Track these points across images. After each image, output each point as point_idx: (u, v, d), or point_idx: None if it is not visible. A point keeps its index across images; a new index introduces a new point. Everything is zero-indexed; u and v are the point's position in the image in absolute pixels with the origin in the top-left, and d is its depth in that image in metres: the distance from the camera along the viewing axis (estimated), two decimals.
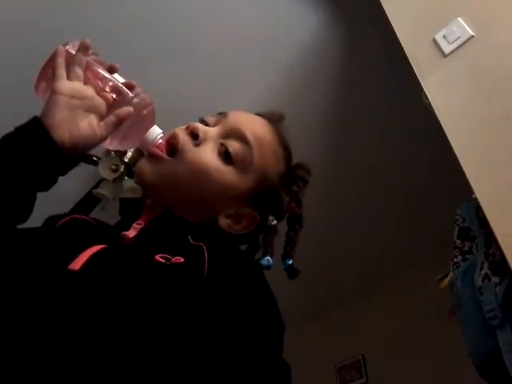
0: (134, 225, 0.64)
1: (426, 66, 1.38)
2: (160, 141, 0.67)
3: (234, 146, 0.67)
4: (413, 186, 2.72)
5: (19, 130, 0.58)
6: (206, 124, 0.71)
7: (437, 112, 1.30)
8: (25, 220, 0.59)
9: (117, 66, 0.67)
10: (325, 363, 3.19)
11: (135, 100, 0.64)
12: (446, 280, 1.40)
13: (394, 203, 2.81)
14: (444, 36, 1.36)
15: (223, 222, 0.67)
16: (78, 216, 0.69)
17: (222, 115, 0.72)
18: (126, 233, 0.63)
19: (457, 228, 1.39)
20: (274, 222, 0.73)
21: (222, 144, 0.67)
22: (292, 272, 0.75)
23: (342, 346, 3.16)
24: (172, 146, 0.67)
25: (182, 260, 0.54)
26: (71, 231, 0.64)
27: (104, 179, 2.40)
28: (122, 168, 2.33)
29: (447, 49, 1.34)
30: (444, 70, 1.34)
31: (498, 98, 1.21)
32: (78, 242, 0.59)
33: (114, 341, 0.47)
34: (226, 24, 2.08)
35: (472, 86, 1.28)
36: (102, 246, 0.58)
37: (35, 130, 0.57)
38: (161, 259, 0.54)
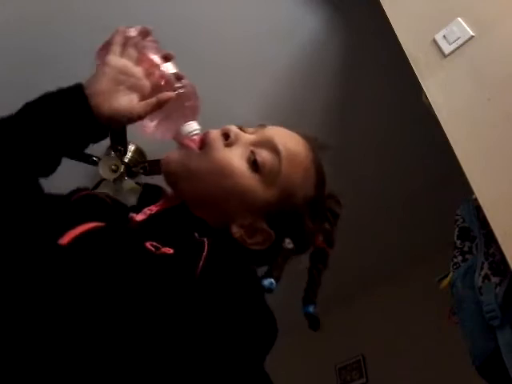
0: (145, 210, 0.64)
1: (426, 66, 1.38)
2: (195, 136, 0.67)
3: (263, 154, 0.66)
4: (413, 186, 2.72)
5: (61, 90, 0.59)
6: (242, 131, 0.71)
7: (437, 112, 1.30)
8: (45, 176, 0.60)
9: (173, 55, 0.68)
10: (325, 363, 3.19)
11: (180, 90, 0.65)
12: (446, 280, 1.40)
13: (394, 203, 2.81)
14: (444, 36, 1.36)
15: (236, 230, 0.65)
16: (96, 192, 0.69)
17: (261, 126, 0.73)
18: (134, 215, 0.63)
19: (457, 228, 1.39)
20: (290, 246, 0.67)
21: (252, 151, 0.66)
22: (313, 321, 0.69)
23: (342, 346, 3.16)
24: (203, 143, 0.67)
25: (171, 251, 0.52)
26: (82, 205, 0.65)
27: (104, 179, 2.40)
28: (122, 168, 2.33)
29: (447, 49, 1.34)
30: (444, 70, 1.34)
31: (498, 98, 1.21)
32: (79, 218, 0.58)
33: (88, 322, 0.45)
34: (226, 24, 2.08)
35: (472, 86, 1.28)
36: (98, 223, 0.57)
37: (75, 93, 0.58)
38: (150, 247, 0.52)
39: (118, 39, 0.65)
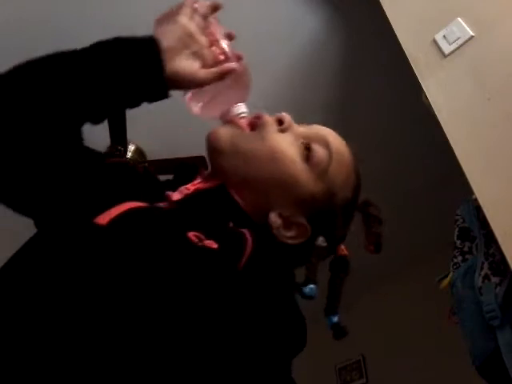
0: (182, 188, 0.61)
1: (426, 66, 1.38)
2: (244, 118, 0.66)
3: (315, 147, 0.65)
4: (413, 186, 2.72)
5: (135, 38, 0.58)
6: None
7: (437, 112, 1.30)
8: (93, 123, 0.58)
9: (234, 34, 0.70)
10: (325, 363, 3.19)
11: (238, 67, 0.65)
12: (446, 280, 1.40)
13: (394, 203, 2.81)
14: (444, 36, 1.36)
15: (275, 219, 0.61)
16: (129, 160, 0.68)
17: (309, 124, 0.72)
18: (171, 193, 0.60)
19: (457, 228, 1.39)
20: (324, 244, 0.66)
21: (303, 142, 0.65)
22: (339, 331, 0.66)
23: (342, 346, 3.16)
24: (254, 125, 0.65)
25: (216, 246, 0.49)
26: (116, 176, 0.63)
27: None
28: None
29: (447, 49, 1.34)
30: (444, 70, 1.34)
31: (498, 98, 1.21)
32: (114, 192, 0.56)
33: (125, 310, 0.43)
34: (226, 24, 2.08)
35: (472, 86, 1.28)
36: (139, 203, 0.54)
37: (148, 45, 0.57)
38: (194, 237, 0.49)
39: (189, 3, 0.64)
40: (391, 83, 2.25)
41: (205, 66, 0.61)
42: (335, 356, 3.16)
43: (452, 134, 1.24)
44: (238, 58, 0.67)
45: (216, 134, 0.64)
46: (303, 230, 0.63)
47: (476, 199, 1.19)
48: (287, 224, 0.62)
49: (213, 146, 0.63)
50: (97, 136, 2.20)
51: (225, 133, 0.64)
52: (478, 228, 1.28)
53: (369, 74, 2.25)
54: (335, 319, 0.66)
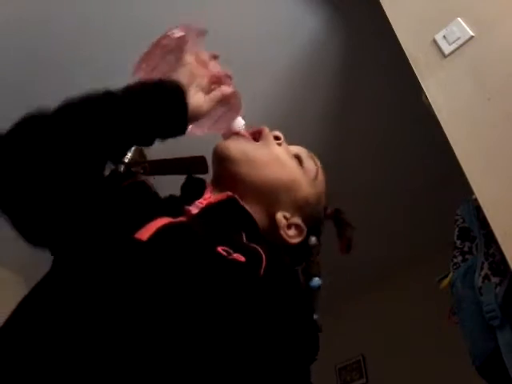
0: (197, 203, 0.66)
1: (426, 66, 1.38)
2: (243, 130, 0.73)
3: (305, 159, 0.77)
4: (413, 186, 2.72)
5: (161, 85, 0.63)
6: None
7: (437, 112, 1.30)
8: (113, 162, 0.62)
9: (218, 54, 0.74)
10: (325, 363, 3.18)
11: (232, 88, 0.70)
12: (446, 280, 1.40)
13: (394, 203, 2.81)
14: (444, 36, 1.36)
15: (280, 218, 0.70)
16: (144, 179, 0.71)
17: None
18: (190, 208, 0.64)
19: (457, 228, 1.38)
20: (316, 243, 0.77)
21: (294, 155, 0.76)
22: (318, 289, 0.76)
23: (342, 346, 3.16)
24: (256, 136, 0.74)
25: (243, 259, 0.55)
26: (135, 194, 0.66)
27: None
28: (121, 168, 2.33)
29: (447, 49, 1.34)
30: (444, 70, 1.34)
31: (498, 98, 1.21)
32: (142, 209, 0.61)
33: (168, 317, 0.48)
34: (226, 24, 2.08)
35: (472, 86, 1.28)
36: (168, 219, 0.58)
37: (175, 90, 0.62)
38: (223, 252, 0.55)
39: (182, 40, 0.68)
40: (391, 83, 2.25)
41: (207, 93, 0.67)
42: (335, 356, 3.16)
43: (452, 134, 1.24)
44: (228, 77, 0.72)
45: (225, 145, 0.71)
46: (300, 230, 0.72)
47: (476, 199, 1.19)
48: (288, 225, 0.71)
49: (224, 155, 0.70)
50: None
51: (234, 143, 0.71)
52: (478, 228, 1.28)
53: (369, 74, 2.25)
54: (317, 282, 0.75)
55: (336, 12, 2.07)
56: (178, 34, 0.67)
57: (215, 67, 0.70)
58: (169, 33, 0.67)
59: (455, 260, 1.35)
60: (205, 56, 0.70)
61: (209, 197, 0.68)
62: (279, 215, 0.70)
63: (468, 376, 1.40)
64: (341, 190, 2.72)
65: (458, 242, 1.36)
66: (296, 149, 0.79)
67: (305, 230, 0.72)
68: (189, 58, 0.66)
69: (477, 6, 1.36)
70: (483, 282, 1.19)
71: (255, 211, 0.69)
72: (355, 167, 2.65)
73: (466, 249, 1.33)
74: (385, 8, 1.58)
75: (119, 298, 0.48)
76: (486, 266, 1.21)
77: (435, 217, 2.64)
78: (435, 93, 1.33)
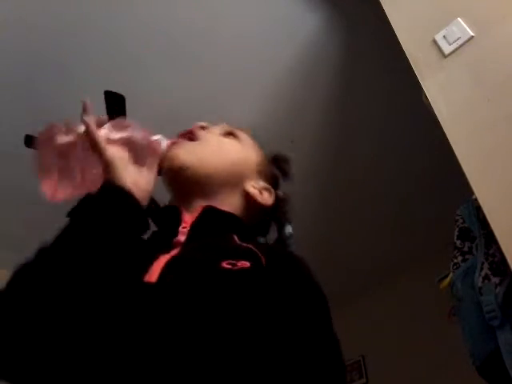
0: (180, 229, 0.67)
1: (426, 66, 1.38)
2: (167, 142, 0.73)
3: (235, 132, 0.81)
4: (413, 187, 2.72)
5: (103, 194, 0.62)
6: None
7: (437, 112, 1.30)
8: (128, 262, 0.58)
9: (88, 104, 0.71)
10: None
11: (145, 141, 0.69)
12: (446, 281, 1.40)
13: (394, 203, 2.81)
14: (444, 36, 1.36)
15: (252, 190, 0.76)
16: None
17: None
18: (178, 238, 0.66)
19: (457, 229, 1.38)
20: (283, 196, 0.85)
21: (225, 132, 0.80)
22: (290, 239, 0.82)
23: (342, 346, 3.16)
24: (191, 138, 0.77)
25: (249, 264, 0.57)
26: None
27: None
28: None
29: (447, 49, 1.34)
30: (444, 70, 1.34)
31: (498, 99, 1.21)
32: (139, 253, 0.61)
33: (205, 349, 0.48)
34: (226, 24, 2.08)
35: (472, 86, 1.28)
36: (167, 255, 0.60)
37: (118, 192, 0.62)
38: (227, 265, 0.56)
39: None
40: (391, 83, 2.25)
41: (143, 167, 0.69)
42: None
43: (452, 134, 1.24)
44: (147, 133, 0.71)
45: (175, 155, 0.73)
46: (269, 191, 0.79)
47: (476, 199, 1.19)
48: (259, 191, 0.77)
49: (178, 165, 0.72)
50: None
51: (179, 152, 0.73)
52: (478, 228, 1.28)
53: (369, 74, 2.25)
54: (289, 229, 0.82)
55: (336, 12, 2.07)
56: (66, 139, 0.67)
57: (133, 133, 0.68)
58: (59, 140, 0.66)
59: (455, 260, 1.35)
60: (115, 134, 0.68)
61: (188, 219, 0.69)
62: (249, 188, 0.76)
63: (468, 376, 1.40)
64: (341, 189, 2.74)
65: (458, 242, 1.36)
66: (222, 128, 0.82)
67: (272, 188, 0.79)
68: (108, 147, 0.65)
69: (477, 6, 1.36)
70: (483, 282, 1.19)
71: (230, 200, 0.74)
72: (355, 167, 2.65)
73: (466, 249, 1.33)
74: (385, 8, 1.58)
75: (145, 341, 0.49)
76: (486, 266, 1.21)
77: (435, 217, 2.64)
78: (435, 93, 1.33)
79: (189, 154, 0.73)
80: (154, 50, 2.10)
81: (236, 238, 0.66)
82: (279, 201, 0.83)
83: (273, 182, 0.83)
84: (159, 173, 0.73)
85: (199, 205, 0.70)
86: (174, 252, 0.61)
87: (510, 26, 1.28)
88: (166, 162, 0.72)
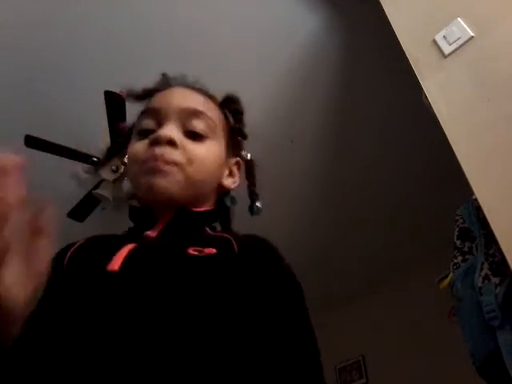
0: (155, 226, 0.67)
1: (426, 66, 1.38)
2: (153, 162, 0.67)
3: (195, 125, 0.71)
4: (413, 186, 2.72)
5: None
6: (153, 131, 0.71)
7: (437, 112, 1.30)
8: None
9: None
10: (325, 364, 3.18)
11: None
12: (446, 281, 1.40)
13: (394, 204, 2.81)
14: (444, 37, 1.36)
15: (228, 182, 0.76)
16: (90, 237, 0.68)
17: (151, 111, 0.73)
18: (148, 232, 0.65)
19: (457, 229, 1.38)
20: (249, 156, 0.84)
21: (186, 132, 0.71)
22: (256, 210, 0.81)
23: (342, 346, 3.16)
24: (165, 163, 0.67)
25: (215, 251, 0.58)
26: (94, 246, 0.65)
27: (104, 180, 2.40)
28: (122, 168, 2.33)
29: (447, 49, 1.34)
30: (444, 70, 1.34)
31: (498, 99, 1.21)
32: (107, 245, 0.61)
33: (173, 334, 0.49)
34: (226, 24, 2.08)
35: (472, 86, 1.28)
36: (131, 245, 0.59)
37: None
38: (194, 252, 0.57)
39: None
40: (391, 83, 2.25)
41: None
42: (335, 356, 3.16)
43: (452, 134, 1.24)
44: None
45: (159, 188, 0.66)
46: (238, 164, 0.79)
47: (476, 199, 1.19)
48: (231, 175, 0.78)
49: (166, 197, 0.67)
50: (97, 135, 2.17)
51: (165, 184, 0.66)
52: (478, 228, 1.28)
53: (368, 74, 2.25)
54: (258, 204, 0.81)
55: (336, 12, 2.07)
56: None
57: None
58: None
59: (455, 260, 1.35)
60: None
61: (162, 219, 0.67)
62: (225, 182, 0.75)
63: (468, 376, 1.40)
64: (340, 189, 2.74)
65: (458, 243, 1.36)
66: (175, 130, 0.70)
67: (239, 160, 0.79)
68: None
69: (477, 6, 1.36)
70: (483, 282, 1.19)
71: (209, 198, 0.73)
72: (355, 167, 2.65)
73: (466, 249, 1.33)
74: (385, 8, 1.58)
75: (110, 328, 0.49)
76: (486, 266, 1.21)
77: (435, 217, 2.64)
78: (435, 93, 1.33)
79: (173, 184, 0.67)
80: (153, 49, 2.10)
81: (208, 229, 0.67)
82: (247, 165, 0.83)
83: (235, 148, 0.81)
84: (133, 197, 0.73)
85: (172, 209, 0.68)
86: (131, 245, 0.60)
87: (510, 26, 1.28)
88: (149, 193, 0.67)
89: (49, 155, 2.32)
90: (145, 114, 0.73)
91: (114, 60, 2.14)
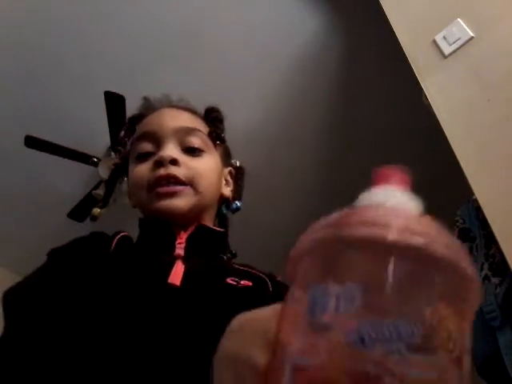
0: (177, 244, 0.70)
1: (426, 67, 1.38)
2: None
3: (192, 141, 0.75)
4: (412, 187, 2.72)
5: None
6: (152, 154, 0.74)
7: (437, 113, 1.30)
8: None
9: None
10: None
11: None
12: None
13: None
14: (444, 37, 1.36)
15: (226, 191, 0.80)
16: (124, 233, 0.72)
17: (146, 135, 0.75)
18: (177, 252, 0.69)
19: (457, 229, 1.38)
20: (237, 165, 0.87)
21: (184, 149, 0.74)
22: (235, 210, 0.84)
23: None
24: (173, 182, 0.71)
25: (251, 284, 0.64)
26: (129, 248, 0.69)
27: (104, 180, 2.40)
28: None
29: (447, 50, 1.34)
30: (444, 71, 1.34)
31: (497, 99, 1.21)
32: (152, 257, 0.65)
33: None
34: (226, 25, 2.08)
35: (472, 86, 1.28)
36: (181, 264, 0.65)
37: None
38: (233, 282, 0.64)
39: None
40: (391, 84, 2.25)
41: None
42: None
43: (452, 134, 1.24)
44: None
45: (174, 208, 0.70)
46: (231, 173, 0.84)
47: (476, 200, 1.19)
48: (227, 184, 0.82)
49: (180, 214, 0.71)
50: (97, 136, 2.18)
51: (179, 203, 0.71)
52: (478, 229, 1.28)
53: (369, 74, 2.25)
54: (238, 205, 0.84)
55: (336, 12, 2.07)
56: None
57: None
58: None
59: None
60: None
61: (183, 234, 0.71)
62: (226, 192, 0.80)
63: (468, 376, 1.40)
64: (340, 190, 2.73)
65: None
66: (175, 150, 0.74)
67: (231, 169, 0.84)
68: None
69: (477, 7, 1.36)
70: (483, 282, 1.19)
71: (213, 210, 0.78)
72: (354, 167, 2.65)
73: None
74: (385, 8, 1.58)
75: (165, 340, 0.53)
76: (486, 266, 1.21)
77: (435, 217, 2.64)
78: (435, 93, 1.33)
79: (188, 201, 0.71)
80: (153, 49, 2.10)
81: (225, 258, 0.73)
82: (237, 172, 0.86)
83: (226, 157, 0.84)
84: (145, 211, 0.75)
85: (192, 223, 0.73)
86: (181, 262, 0.65)
87: (510, 26, 1.28)
88: (168, 214, 0.70)
89: (49, 155, 2.32)
90: (140, 138, 0.76)
91: (114, 60, 2.14)
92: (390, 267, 0.27)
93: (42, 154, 2.29)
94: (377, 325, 0.25)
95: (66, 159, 2.36)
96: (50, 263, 0.65)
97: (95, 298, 0.57)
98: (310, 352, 0.26)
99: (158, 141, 0.74)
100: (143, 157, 0.73)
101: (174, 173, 0.70)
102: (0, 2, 1.92)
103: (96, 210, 2.27)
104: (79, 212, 2.56)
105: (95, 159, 2.38)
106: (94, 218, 2.30)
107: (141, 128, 0.78)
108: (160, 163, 0.70)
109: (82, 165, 2.41)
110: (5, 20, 1.98)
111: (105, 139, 2.27)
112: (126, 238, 0.71)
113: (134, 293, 0.58)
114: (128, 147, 0.79)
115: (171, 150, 0.72)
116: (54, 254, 0.66)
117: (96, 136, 2.35)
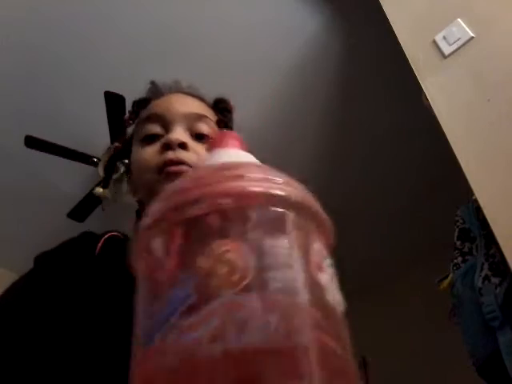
0: None
1: (426, 67, 1.38)
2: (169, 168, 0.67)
3: (201, 127, 0.72)
4: (413, 187, 2.72)
5: None
6: (160, 136, 0.71)
7: (437, 113, 1.30)
8: None
9: None
10: None
11: None
12: (446, 281, 1.40)
13: (394, 204, 2.81)
14: (444, 37, 1.36)
15: None
16: (113, 233, 0.70)
17: (154, 116, 0.72)
18: None
19: (457, 229, 1.38)
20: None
21: (192, 135, 0.71)
22: None
23: None
24: (182, 162, 0.67)
25: None
26: (117, 250, 0.66)
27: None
28: (122, 169, 2.33)
29: (447, 50, 1.34)
30: (444, 71, 1.34)
31: (498, 99, 1.21)
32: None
33: None
34: (226, 25, 2.08)
35: (472, 86, 1.28)
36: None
37: None
38: None
39: None
40: (391, 83, 2.25)
41: None
42: None
43: (452, 134, 1.24)
44: None
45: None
46: None
47: (476, 200, 1.19)
48: None
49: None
50: (97, 136, 2.17)
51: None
52: (478, 229, 1.28)
53: (369, 75, 2.25)
54: None
55: (336, 12, 2.07)
56: None
57: None
58: None
59: (455, 261, 1.35)
60: None
61: None
62: None
63: (468, 376, 1.40)
64: (340, 190, 2.74)
65: (458, 243, 1.36)
66: (184, 134, 0.71)
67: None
68: None
69: (477, 7, 1.36)
70: (483, 282, 1.19)
71: None
72: (354, 167, 2.65)
73: (466, 249, 1.32)
74: (385, 8, 1.58)
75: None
76: (486, 266, 1.21)
77: (435, 217, 2.64)
78: (435, 93, 1.33)
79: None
80: (154, 50, 2.10)
81: None
82: None
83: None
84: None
85: None
86: None
87: (510, 26, 1.28)
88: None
89: (49, 155, 2.32)
90: (147, 120, 0.72)
91: (114, 60, 2.14)
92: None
93: (42, 153, 2.29)
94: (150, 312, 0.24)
95: (66, 159, 2.36)
96: (35, 269, 0.64)
97: (78, 303, 0.56)
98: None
99: (166, 123, 0.70)
100: (150, 139, 0.70)
101: (184, 157, 0.66)
102: (0, 2, 1.92)
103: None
104: (79, 212, 2.56)
105: (95, 159, 2.38)
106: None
107: (148, 111, 0.74)
108: (168, 146, 0.66)
109: (82, 165, 2.41)
110: (5, 20, 1.98)
111: (105, 139, 2.27)
112: (114, 238, 0.69)
113: (117, 296, 0.56)
114: (131, 131, 0.76)
115: (180, 133, 0.69)
116: (40, 260, 0.65)
117: (96, 136, 2.35)
